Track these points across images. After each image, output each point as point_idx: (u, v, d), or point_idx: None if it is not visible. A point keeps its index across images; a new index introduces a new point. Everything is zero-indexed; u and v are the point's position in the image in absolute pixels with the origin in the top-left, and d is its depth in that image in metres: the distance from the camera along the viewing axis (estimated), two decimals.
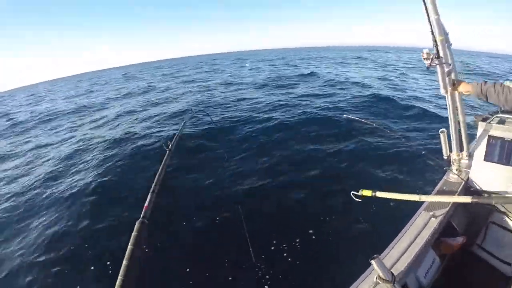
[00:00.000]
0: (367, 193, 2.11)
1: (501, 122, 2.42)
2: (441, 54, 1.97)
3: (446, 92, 2.15)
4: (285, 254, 3.34)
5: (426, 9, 1.85)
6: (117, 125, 10.59)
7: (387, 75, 17.74)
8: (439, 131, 2.50)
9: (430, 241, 1.90)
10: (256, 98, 12.20)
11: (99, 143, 8.38)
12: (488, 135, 2.40)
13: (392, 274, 1.49)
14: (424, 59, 1.97)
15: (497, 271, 2.11)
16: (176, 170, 5.58)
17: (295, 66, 27.86)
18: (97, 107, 16.17)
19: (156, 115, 10.99)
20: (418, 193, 2.06)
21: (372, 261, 1.46)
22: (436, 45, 1.95)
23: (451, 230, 2.24)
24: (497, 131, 2.35)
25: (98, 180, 5.79)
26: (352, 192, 2.19)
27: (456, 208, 2.28)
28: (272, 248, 3.45)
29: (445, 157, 2.60)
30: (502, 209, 2.29)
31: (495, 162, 2.33)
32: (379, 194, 2.09)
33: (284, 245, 3.45)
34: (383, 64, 26.44)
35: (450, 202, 2.17)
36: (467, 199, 1.74)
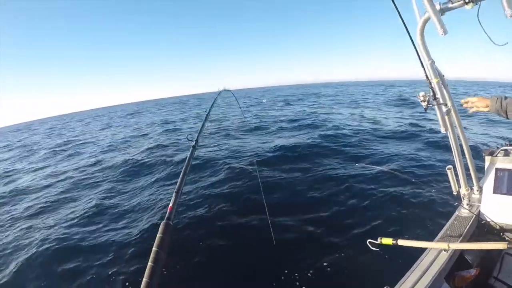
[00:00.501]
0: (387, 241, 1.97)
1: (507, 154, 2.51)
2: (438, 95, 2.12)
3: (446, 130, 2.24)
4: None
5: (419, 55, 2.06)
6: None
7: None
8: (446, 168, 2.54)
9: (443, 274, 1.91)
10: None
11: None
12: (495, 168, 2.48)
13: None
14: (421, 101, 2.13)
15: None
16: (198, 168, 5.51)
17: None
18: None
19: None
20: (445, 240, 2.02)
21: None
22: (432, 88, 2.12)
23: (464, 264, 2.22)
24: (503, 163, 2.44)
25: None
26: (369, 240, 2.01)
27: (468, 241, 2.28)
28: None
29: (454, 193, 2.62)
30: None
31: (504, 194, 2.38)
32: (402, 242, 1.93)
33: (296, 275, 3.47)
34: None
35: (461, 235, 2.20)
36: (502, 245, 1.62)
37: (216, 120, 17.38)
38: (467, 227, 2.33)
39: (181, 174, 1.50)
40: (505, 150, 2.58)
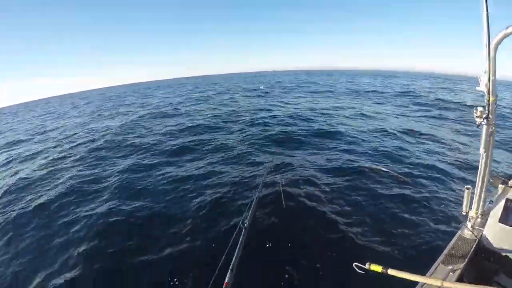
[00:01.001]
0: (376, 268, 1.83)
1: None
2: (490, 114, 2.06)
3: (486, 151, 2.20)
4: None
5: (489, 70, 1.93)
6: None
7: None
8: (465, 187, 2.52)
9: None
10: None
11: None
12: (506, 198, 2.48)
13: None
14: (476, 116, 2.04)
15: None
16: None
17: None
18: None
19: None
20: (439, 277, 1.95)
21: None
22: (488, 105, 2.03)
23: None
24: None
25: None
26: (355, 263, 1.87)
27: (469, 266, 2.31)
28: None
29: (463, 213, 2.62)
30: (509, 273, 2.32)
31: (509, 225, 2.40)
32: (392, 272, 1.80)
33: None
34: None
35: (465, 260, 2.20)
36: None
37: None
38: (469, 251, 2.34)
39: (235, 255, 1.64)
40: None
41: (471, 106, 2.58)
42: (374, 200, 5.56)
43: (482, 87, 2.06)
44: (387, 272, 1.82)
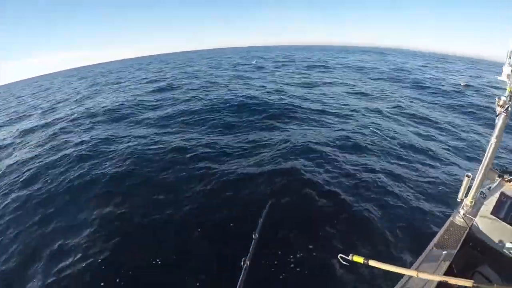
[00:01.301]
0: (358, 259, 1.87)
1: None
2: (510, 108, 1.99)
3: (498, 141, 2.17)
4: None
5: None
6: None
7: None
8: (465, 174, 2.51)
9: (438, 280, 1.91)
10: None
11: None
12: (501, 192, 2.51)
13: None
14: (498, 105, 1.97)
15: None
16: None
17: None
18: None
19: None
20: (414, 268, 1.98)
21: None
22: (511, 98, 1.95)
23: (448, 269, 2.34)
24: (511, 191, 2.47)
25: None
26: (340, 255, 1.92)
27: (458, 251, 2.36)
28: None
29: (458, 199, 2.64)
30: (493, 264, 2.40)
31: (500, 219, 2.45)
32: (372, 263, 1.84)
33: None
34: None
35: (457, 246, 2.24)
36: (468, 282, 1.61)
37: None
38: (461, 238, 2.38)
39: (243, 268, 1.64)
40: None
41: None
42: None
43: (504, 78, 1.99)
44: (368, 263, 1.83)
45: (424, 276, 1.76)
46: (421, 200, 5.15)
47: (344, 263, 1.88)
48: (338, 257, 1.91)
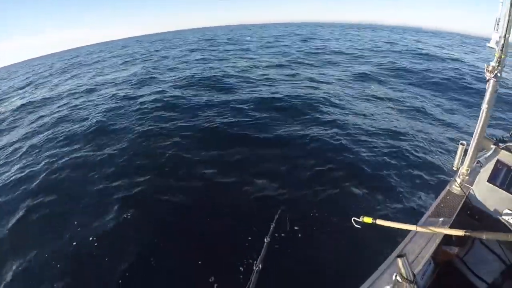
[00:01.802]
0: (368, 220, 1.99)
1: (509, 150, 2.58)
2: (499, 74, 2.04)
3: (488, 108, 2.21)
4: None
5: (507, 28, 1.86)
6: None
7: None
8: (459, 142, 2.55)
9: (435, 248, 1.98)
10: None
11: None
12: (497, 159, 2.55)
13: (414, 275, 1.52)
14: (487, 71, 2.01)
15: (472, 285, 2.27)
16: None
17: None
18: None
19: None
20: (414, 223, 2.04)
21: (398, 259, 1.48)
22: (499, 62, 2.00)
23: (447, 238, 2.34)
24: (507, 158, 2.51)
25: None
26: (354, 218, 2.05)
27: (456, 220, 2.41)
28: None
29: (454, 168, 2.67)
30: (490, 231, 2.50)
31: (497, 186, 2.50)
32: (379, 221, 1.97)
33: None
34: None
35: (453, 214, 2.29)
36: (459, 232, 1.72)
37: None
38: (458, 206, 2.41)
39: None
40: (509, 146, 2.63)
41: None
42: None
43: (492, 44, 2.02)
44: (376, 223, 1.93)
45: (422, 230, 1.87)
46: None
47: (357, 226, 1.98)
48: (352, 220, 2.02)
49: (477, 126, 2.41)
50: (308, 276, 3.42)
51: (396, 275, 1.55)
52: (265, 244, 1.92)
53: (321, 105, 9.26)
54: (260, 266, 1.74)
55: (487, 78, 2.05)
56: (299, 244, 3.79)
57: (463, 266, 2.41)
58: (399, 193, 4.72)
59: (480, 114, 2.33)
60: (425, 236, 2.01)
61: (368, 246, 3.50)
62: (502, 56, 2.00)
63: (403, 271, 1.49)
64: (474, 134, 2.46)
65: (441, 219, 2.22)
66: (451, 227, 2.38)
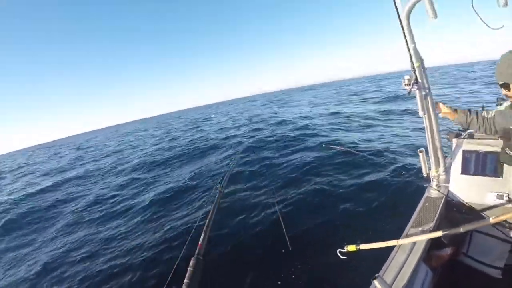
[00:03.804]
0: (352, 248, 1.97)
1: (471, 137, 2.69)
2: (419, 79, 2.19)
3: (424, 114, 2.34)
4: None
5: (406, 39, 2.08)
6: None
7: None
8: (418, 150, 2.63)
9: (422, 255, 1.94)
10: None
11: None
12: (463, 150, 2.62)
13: None
14: (405, 85, 2.17)
15: (486, 275, 2.21)
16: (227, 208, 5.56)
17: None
18: None
19: None
20: (418, 224, 2.14)
21: (375, 281, 1.45)
22: (414, 71, 2.17)
23: (438, 242, 2.29)
24: (470, 145, 2.59)
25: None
26: (339, 250, 2.02)
27: (440, 221, 2.38)
28: None
29: (424, 175, 2.72)
30: (484, 217, 2.43)
31: (471, 174, 2.54)
32: (362, 246, 1.95)
33: None
34: None
35: (434, 217, 2.25)
36: (438, 233, 1.74)
37: None
38: (438, 208, 2.40)
39: (209, 214, 1.73)
40: (469, 133, 2.76)
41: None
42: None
43: (408, 56, 2.21)
44: (360, 249, 1.91)
45: (403, 242, 1.85)
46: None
47: (343, 257, 1.95)
48: (337, 252, 1.99)
49: (425, 132, 2.52)
50: None
51: None
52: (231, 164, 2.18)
53: None
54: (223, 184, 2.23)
55: (408, 90, 2.19)
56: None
57: (471, 260, 2.34)
58: (379, 214, 4.48)
59: (424, 121, 2.45)
60: (407, 248, 1.94)
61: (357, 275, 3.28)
62: (416, 65, 2.18)
63: None
64: (426, 138, 2.55)
65: (421, 227, 2.17)
66: (434, 230, 2.34)
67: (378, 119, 12.93)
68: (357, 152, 6.29)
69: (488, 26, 1.66)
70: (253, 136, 13.81)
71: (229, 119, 29.26)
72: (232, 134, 16.50)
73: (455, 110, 2.35)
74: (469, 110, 2.27)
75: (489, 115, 2.14)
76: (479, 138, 2.62)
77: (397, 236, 2.01)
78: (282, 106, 33.68)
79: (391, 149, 7.45)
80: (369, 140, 9.00)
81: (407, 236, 2.11)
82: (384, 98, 21.66)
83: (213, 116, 43.53)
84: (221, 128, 21.77)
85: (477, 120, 2.18)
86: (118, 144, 30.47)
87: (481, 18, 1.65)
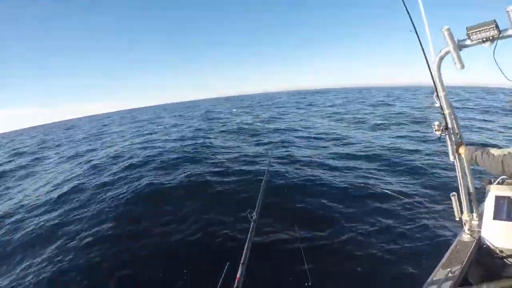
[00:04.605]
0: None
1: (503, 182, 2.66)
2: (449, 125, 2.27)
3: (455, 158, 2.39)
4: None
5: (436, 87, 2.18)
6: None
7: None
8: (451, 194, 2.65)
9: None
10: None
11: None
12: (495, 196, 2.57)
13: None
14: (435, 130, 2.25)
15: None
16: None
17: None
18: None
19: None
20: (448, 266, 2.10)
21: None
22: (445, 118, 2.25)
23: (468, 285, 2.25)
24: (502, 191, 2.55)
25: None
26: None
27: (471, 264, 2.34)
28: None
29: (457, 219, 2.71)
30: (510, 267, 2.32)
31: (503, 220, 2.46)
32: None
33: None
34: None
35: (464, 259, 2.25)
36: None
37: None
38: (469, 252, 2.40)
39: (245, 248, 1.64)
40: (502, 178, 2.72)
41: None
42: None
43: (438, 103, 2.31)
44: None
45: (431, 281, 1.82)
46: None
47: None
48: None
49: (457, 176, 2.56)
50: None
51: None
52: (261, 189, 2.17)
53: None
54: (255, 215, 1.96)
55: (439, 135, 2.26)
56: None
57: None
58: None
59: (455, 166, 2.49)
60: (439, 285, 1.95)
61: None
62: (447, 111, 2.26)
63: None
64: (458, 183, 2.58)
65: (449, 269, 2.17)
66: (467, 274, 2.32)
67: None
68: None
69: (506, 78, 1.75)
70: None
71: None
72: None
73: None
74: (473, 146, 2.27)
75: (498, 153, 2.03)
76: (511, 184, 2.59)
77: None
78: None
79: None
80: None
81: (435, 275, 2.14)
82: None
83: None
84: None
85: (482, 156, 2.13)
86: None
87: (501, 71, 1.76)
